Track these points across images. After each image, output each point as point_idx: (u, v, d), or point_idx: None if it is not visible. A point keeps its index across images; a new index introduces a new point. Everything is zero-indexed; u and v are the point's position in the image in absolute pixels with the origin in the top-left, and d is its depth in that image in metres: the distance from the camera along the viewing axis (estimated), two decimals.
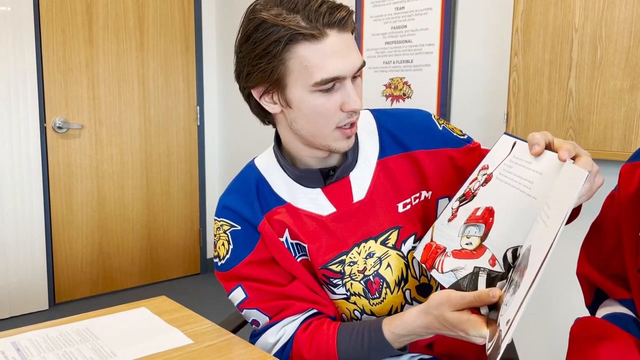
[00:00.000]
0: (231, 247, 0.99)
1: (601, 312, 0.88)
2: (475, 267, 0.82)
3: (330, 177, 0.98)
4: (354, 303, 0.99)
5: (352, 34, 0.90)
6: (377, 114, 1.05)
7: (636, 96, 1.69)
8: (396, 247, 0.98)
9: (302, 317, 0.98)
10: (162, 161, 3.49)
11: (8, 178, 2.89)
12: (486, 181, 0.89)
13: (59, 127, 3.05)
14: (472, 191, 0.90)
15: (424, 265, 0.92)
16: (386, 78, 2.57)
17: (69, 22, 3.05)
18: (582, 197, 0.77)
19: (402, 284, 0.99)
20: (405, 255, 0.98)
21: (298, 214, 0.98)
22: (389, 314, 0.99)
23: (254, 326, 1.01)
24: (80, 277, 3.22)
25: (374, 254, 0.97)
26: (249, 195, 1.00)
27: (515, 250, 0.78)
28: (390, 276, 0.98)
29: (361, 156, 1.00)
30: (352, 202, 0.98)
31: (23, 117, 2.90)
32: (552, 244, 0.65)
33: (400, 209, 0.99)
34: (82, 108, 3.13)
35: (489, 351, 0.69)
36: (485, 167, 0.91)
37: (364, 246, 0.97)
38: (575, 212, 0.89)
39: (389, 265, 0.98)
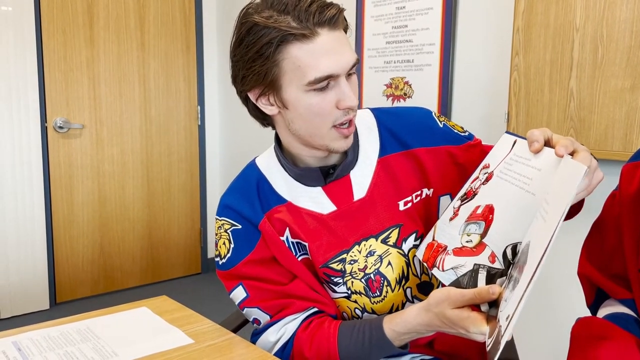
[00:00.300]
0: (232, 246, 0.99)
1: (602, 312, 0.88)
2: (475, 265, 0.82)
3: (330, 175, 0.98)
4: (355, 301, 1.00)
5: (345, 31, 0.91)
6: (378, 112, 1.06)
7: (637, 96, 1.69)
8: (397, 245, 0.98)
9: (302, 315, 0.98)
10: (163, 161, 3.49)
11: (9, 178, 2.89)
12: (487, 180, 0.89)
13: (60, 127, 3.05)
14: (474, 190, 0.91)
15: (425, 265, 0.93)
16: (387, 78, 2.57)
17: (69, 22, 3.05)
18: (582, 193, 0.77)
19: (403, 282, 0.99)
20: (406, 253, 0.98)
21: (299, 212, 0.98)
22: (390, 312, 0.99)
23: (255, 325, 1.01)
24: (81, 276, 3.23)
25: (374, 252, 0.98)
26: (250, 194, 1.00)
27: (514, 247, 0.78)
28: (391, 274, 0.98)
29: (362, 155, 1.00)
30: (353, 201, 0.98)
31: (24, 117, 2.90)
32: (550, 240, 0.65)
33: (401, 207, 0.99)
34: (83, 108, 3.14)
35: (489, 347, 0.69)
36: (487, 166, 0.91)
37: (364, 244, 0.97)
38: (577, 208, 0.89)
39: (389, 263, 0.98)
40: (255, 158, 1.07)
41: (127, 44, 3.26)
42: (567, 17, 1.81)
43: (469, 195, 0.91)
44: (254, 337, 1.02)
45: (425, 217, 1.00)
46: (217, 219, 1.03)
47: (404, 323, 0.87)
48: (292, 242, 0.98)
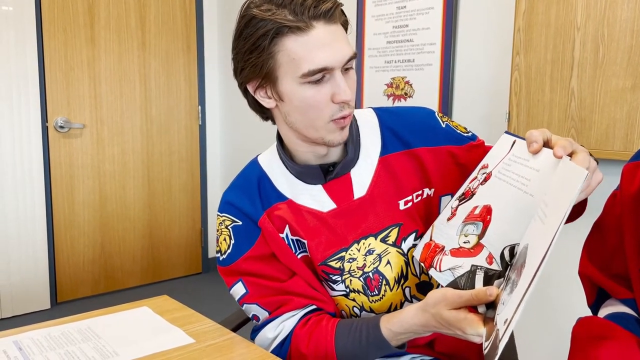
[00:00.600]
0: (232, 242, 1.00)
1: (603, 312, 0.88)
2: (472, 266, 0.82)
3: (330, 173, 0.98)
4: (353, 300, 1.00)
5: (345, 26, 0.91)
6: (380, 112, 1.06)
7: (638, 95, 1.69)
8: (396, 244, 0.98)
9: (301, 312, 0.98)
10: (163, 160, 3.49)
11: (10, 177, 2.89)
12: (485, 180, 0.89)
13: (61, 127, 3.05)
14: (472, 190, 0.90)
15: (422, 265, 0.92)
16: (388, 77, 2.57)
17: (70, 21, 3.05)
18: (581, 194, 0.77)
19: (402, 281, 0.99)
20: (406, 252, 0.98)
21: (299, 210, 0.98)
22: (389, 311, 0.99)
23: (254, 321, 1.02)
24: (82, 276, 3.23)
25: (373, 250, 0.98)
26: (251, 191, 1.01)
27: (512, 248, 0.78)
28: (390, 273, 0.98)
29: (363, 153, 1.00)
30: (353, 199, 0.98)
31: (25, 116, 2.91)
32: (551, 243, 0.65)
33: (402, 206, 0.99)
34: (83, 107, 3.14)
35: (486, 350, 0.69)
36: (485, 166, 0.91)
37: (363, 243, 0.98)
38: (580, 210, 0.89)
39: (388, 262, 0.98)
40: (257, 155, 1.07)
41: (128, 44, 3.26)
42: (568, 17, 1.81)
43: (467, 196, 0.91)
44: (254, 334, 1.02)
45: (425, 217, 1.00)
46: (218, 215, 1.04)
47: (401, 323, 0.87)
48: (292, 240, 0.99)
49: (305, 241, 0.98)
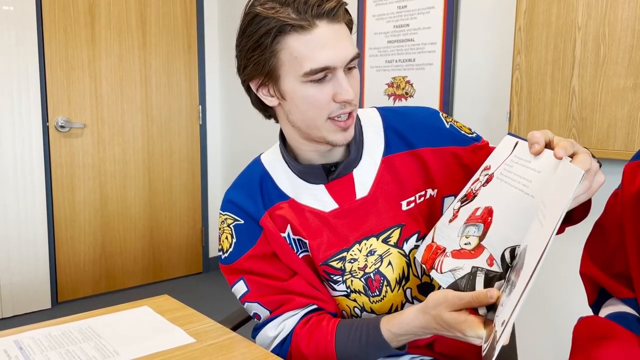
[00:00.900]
0: (234, 240, 1.00)
1: (604, 312, 0.88)
2: (473, 267, 0.81)
3: (332, 173, 0.98)
4: (354, 300, 1.00)
5: (349, 25, 0.91)
6: (384, 111, 1.05)
7: (639, 95, 1.68)
8: (398, 245, 0.98)
9: (302, 312, 0.98)
10: (164, 160, 3.49)
11: (11, 177, 2.89)
12: (487, 181, 0.88)
13: (62, 127, 3.05)
14: (474, 192, 0.90)
15: (424, 266, 0.92)
16: (388, 77, 2.57)
17: (71, 21, 3.05)
18: (582, 196, 0.76)
19: (403, 282, 0.99)
20: (407, 253, 0.98)
21: (301, 209, 0.98)
22: (389, 312, 0.99)
23: (255, 319, 1.02)
24: (82, 276, 3.23)
25: (375, 251, 0.97)
26: (253, 190, 1.01)
27: (513, 250, 0.77)
28: (391, 274, 0.98)
29: (366, 153, 1.00)
30: (355, 199, 0.97)
31: (26, 116, 2.91)
32: (546, 245, 0.64)
33: (404, 207, 0.98)
34: (84, 107, 3.14)
35: (485, 352, 0.69)
36: (488, 168, 0.91)
37: (365, 243, 0.97)
38: (585, 211, 0.89)
39: (390, 263, 0.97)
40: (260, 154, 1.07)
41: (129, 43, 3.27)
42: (569, 16, 1.81)
43: (469, 197, 0.91)
44: (255, 332, 1.02)
45: (428, 218, 1.00)
46: (220, 213, 1.04)
47: (401, 324, 0.87)
48: (293, 239, 0.99)
49: (307, 241, 0.98)
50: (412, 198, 0.99)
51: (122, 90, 3.27)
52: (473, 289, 0.79)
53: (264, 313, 0.99)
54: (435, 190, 1.00)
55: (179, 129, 3.53)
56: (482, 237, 0.83)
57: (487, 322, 0.74)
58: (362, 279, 0.98)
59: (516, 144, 0.88)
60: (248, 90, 0.96)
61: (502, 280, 0.77)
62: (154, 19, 3.34)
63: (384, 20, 2.55)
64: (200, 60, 3.58)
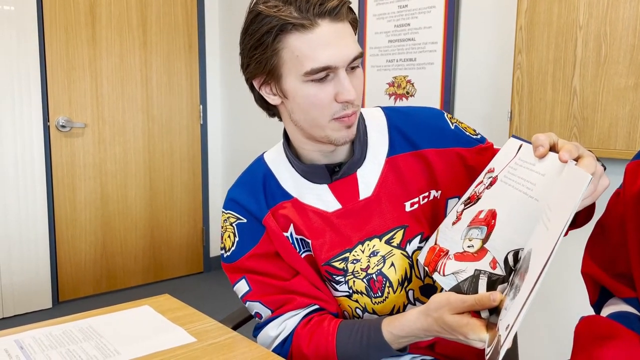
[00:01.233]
0: (237, 239, 1.00)
1: (606, 311, 0.88)
2: (476, 270, 0.81)
3: (337, 173, 0.97)
4: (356, 301, 0.99)
5: (354, 24, 0.90)
6: (388, 111, 1.05)
7: None
8: (401, 246, 0.97)
9: (303, 312, 0.98)
10: (165, 160, 3.49)
11: (12, 177, 2.89)
12: (491, 184, 0.88)
13: (62, 126, 3.05)
14: (477, 194, 0.90)
15: (426, 269, 0.92)
16: (389, 76, 2.57)
17: (72, 21, 3.05)
18: (586, 200, 0.76)
19: (406, 283, 0.98)
20: (410, 255, 0.98)
21: (304, 209, 0.98)
22: (391, 313, 0.99)
23: (257, 319, 1.02)
24: (83, 275, 3.23)
25: (377, 252, 0.97)
26: (256, 188, 1.00)
27: (516, 253, 0.77)
28: (394, 275, 0.97)
29: (370, 153, 0.99)
30: (358, 199, 0.97)
31: (26, 116, 2.91)
32: (553, 249, 0.64)
33: (408, 208, 0.98)
34: (85, 107, 3.14)
35: (488, 355, 0.68)
36: (491, 170, 0.91)
37: (367, 244, 0.97)
38: (588, 215, 0.88)
39: (392, 264, 0.97)
40: (263, 153, 1.07)
41: (129, 43, 3.27)
42: (570, 15, 1.81)
43: (473, 200, 0.90)
44: (256, 331, 1.02)
45: (431, 219, 0.99)
46: (223, 211, 1.04)
47: (403, 326, 0.87)
48: (296, 239, 0.98)
49: (310, 241, 0.97)
50: (416, 199, 0.98)
51: (122, 90, 3.27)
52: (476, 292, 0.79)
53: (265, 312, 0.99)
54: (439, 192, 1.00)
55: (179, 128, 3.53)
56: (485, 240, 0.82)
57: (490, 326, 0.74)
58: (364, 279, 0.97)
59: (520, 146, 0.87)
60: (251, 88, 0.95)
61: (505, 284, 0.76)
62: (154, 18, 3.34)
63: (385, 19, 2.55)
64: (201, 60, 3.58)
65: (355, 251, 0.97)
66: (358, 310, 1.00)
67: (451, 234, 0.90)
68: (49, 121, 3.02)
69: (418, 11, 2.41)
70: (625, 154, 1.71)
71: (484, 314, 0.76)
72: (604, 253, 0.90)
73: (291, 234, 0.98)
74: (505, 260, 0.78)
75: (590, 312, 0.93)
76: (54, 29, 2.99)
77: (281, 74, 0.88)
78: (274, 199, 0.99)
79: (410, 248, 0.98)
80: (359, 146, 0.97)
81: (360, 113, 1.01)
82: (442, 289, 1.00)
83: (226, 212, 1.03)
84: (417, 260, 0.98)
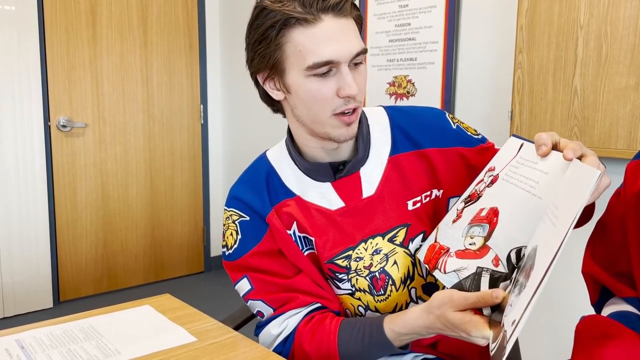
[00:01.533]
0: (239, 237, 1.00)
1: (607, 311, 0.88)
2: (478, 268, 0.81)
3: (340, 171, 0.97)
4: (359, 299, 0.99)
5: (359, 21, 0.91)
6: (391, 111, 1.05)
7: None
8: (403, 244, 0.98)
9: (305, 310, 0.98)
10: (165, 159, 3.49)
11: (13, 177, 2.90)
12: (492, 182, 0.88)
13: (63, 126, 3.05)
14: (478, 192, 0.90)
15: (427, 266, 0.92)
16: (390, 76, 2.57)
17: (72, 21, 3.05)
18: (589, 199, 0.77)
19: (408, 282, 0.99)
20: (413, 253, 0.98)
21: (307, 207, 0.98)
22: (394, 311, 0.99)
23: (258, 317, 1.02)
24: (84, 275, 3.23)
25: (380, 250, 0.97)
26: (259, 186, 1.00)
27: (519, 251, 0.77)
28: (397, 273, 0.98)
29: (373, 152, 0.99)
30: (361, 198, 0.97)
31: (27, 116, 2.91)
32: (560, 245, 0.64)
33: (410, 207, 0.98)
34: (86, 107, 3.14)
35: (493, 352, 0.68)
36: (492, 169, 0.91)
37: (371, 242, 0.97)
38: (588, 214, 0.88)
39: (395, 262, 0.97)
40: (266, 151, 1.07)
41: (130, 43, 3.27)
42: (571, 15, 1.81)
43: (473, 198, 0.90)
44: (258, 330, 1.02)
45: (433, 218, 1.00)
46: (225, 209, 1.04)
47: (405, 324, 0.87)
48: (299, 236, 0.98)
49: (313, 238, 0.97)
50: (418, 198, 0.99)
51: (123, 90, 3.27)
52: (478, 289, 0.79)
53: (267, 311, 0.99)
54: (441, 191, 1.00)
55: (180, 128, 3.53)
56: (487, 238, 0.82)
57: (493, 323, 0.74)
58: (367, 277, 0.98)
59: (521, 145, 0.87)
60: (256, 83, 0.96)
61: (508, 281, 0.76)
62: (155, 18, 3.35)
63: (386, 19, 2.55)
64: (202, 60, 3.58)
65: (359, 249, 0.97)
66: (360, 309, 1.00)
67: (451, 232, 0.90)
68: (49, 121, 3.02)
69: (419, 11, 2.41)
70: (625, 153, 1.71)
71: (486, 312, 0.76)
72: (605, 252, 0.90)
73: (294, 232, 0.98)
74: (508, 257, 0.78)
75: (591, 311, 0.93)
76: (55, 29, 3.00)
77: (284, 68, 0.88)
78: (277, 196, 0.99)
79: (412, 246, 0.98)
80: (362, 145, 0.98)
81: (363, 112, 1.01)
82: (444, 287, 1.00)
83: (229, 209, 1.03)
84: (419, 258, 0.98)
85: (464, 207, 0.91)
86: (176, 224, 3.58)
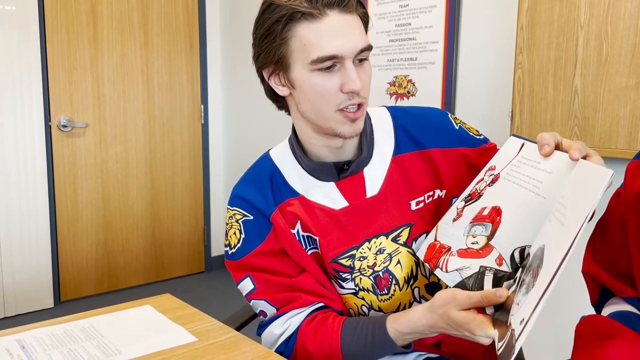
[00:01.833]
0: (243, 236, 1.00)
1: (607, 310, 0.88)
2: (481, 267, 0.81)
3: (345, 171, 0.98)
4: (362, 298, 1.00)
5: (364, 19, 0.91)
6: (394, 111, 1.05)
7: None
8: (407, 244, 0.98)
9: (308, 310, 0.98)
10: (166, 159, 3.49)
11: (13, 177, 2.90)
12: (493, 181, 0.88)
13: (64, 126, 3.06)
14: (479, 191, 0.90)
15: (427, 265, 0.92)
16: (390, 76, 2.57)
17: (73, 21, 3.05)
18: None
19: (412, 281, 0.99)
20: (416, 253, 0.98)
21: (311, 206, 0.98)
22: (397, 310, 0.99)
23: (261, 317, 1.02)
24: (85, 275, 3.23)
25: (384, 250, 0.97)
26: (263, 185, 1.00)
27: (522, 250, 0.77)
28: (400, 273, 0.98)
29: (376, 152, 1.00)
30: (365, 197, 0.98)
31: (28, 116, 2.91)
32: (572, 243, 0.64)
33: (413, 207, 0.99)
34: (86, 107, 3.14)
35: (500, 351, 0.68)
36: (492, 168, 0.91)
37: (374, 242, 0.97)
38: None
39: (399, 262, 0.98)
40: (269, 150, 1.07)
41: (131, 43, 3.27)
42: (571, 15, 1.81)
43: (474, 197, 0.90)
44: (260, 329, 1.02)
45: (436, 218, 1.00)
46: (228, 208, 1.03)
47: (408, 323, 0.87)
48: (303, 236, 0.98)
49: (317, 238, 0.98)
50: (421, 198, 0.99)
51: (124, 90, 3.27)
52: (481, 288, 0.79)
53: (270, 311, 0.99)
54: (444, 191, 1.00)
55: (181, 128, 3.54)
56: (490, 237, 0.82)
57: (496, 322, 0.74)
58: (371, 277, 0.98)
59: (522, 145, 0.87)
60: (262, 79, 0.96)
61: (511, 280, 0.76)
62: (155, 18, 3.35)
63: (386, 19, 2.55)
64: (202, 60, 3.58)
65: (362, 249, 0.97)
66: (364, 308, 1.00)
67: (452, 230, 0.90)
68: (50, 121, 3.02)
69: (419, 10, 2.41)
70: (626, 153, 1.71)
71: (489, 311, 0.76)
72: (605, 252, 0.90)
73: (298, 231, 0.98)
74: (512, 257, 0.78)
75: (591, 311, 0.93)
76: (55, 29, 3.00)
77: (289, 63, 0.89)
78: (281, 196, 0.99)
79: (416, 246, 0.98)
80: (366, 144, 0.98)
81: (367, 112, 1.01)
82: (447, 287, 1.00)
83: (232, 208, 1.02)
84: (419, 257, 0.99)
85: (465, 206, 0.91)
86: (177, 223, 3.58)
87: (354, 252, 0.98)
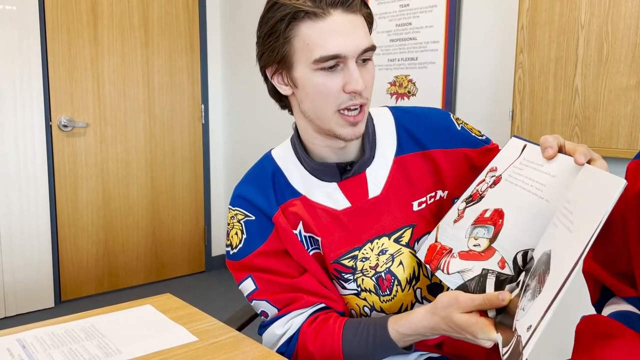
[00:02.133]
0: (244, 236, 0.99)
1: (607, 310, 0.88)
2: (483, 269, 0.81)
3: (347, 171, 0.98)
4: (364, 299, 0.99)
5: (369, 19, 0.91)
6: (396, 111, 1.05)
7: None
8: (409, 245, 0.98)
9: (309, 310, 0.98)
10: (166, 159, 3.49)
11: (14, 176, 2.90)
12: (495, 183, 0.88)
13: (65, 126, 3.06)
14: (480, 193, 0.89)
15: (428, 266, 0.92)
16: (391, 76, 2.57)
17: (74, 21, 3.05)
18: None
19: (414, 282, 0.99)
20: (417, 253, 0.98)
21: (313, 207, 0.98)
22: (399, 311, 0.99)
23: (262, 317, 1.02)
24: (85, 275, 3.24)
25: (386, 250, 0.97)
26: (265, 185, 1.00)
27: (525, 253, 0.77)
28: (402, 274, 0.98)
29: (378, 152, 1.00)
30: (367, 198, 0.98)
31: (29, 115, 2.91)
32: (582, 253, 0.63)
33: (415, 208, 0.98)
34: (87, 106, 3.14)
35: (506, 357, 0.67)
36: (494, 169, 0.90)
37: (377, 242, 0.97)
38: None
39: (401, 262, 0.98)
40: (271, 150, 1.07)
41: (131, 43, 3.27)
42: (571, 14, 1.81)
43: (475, 198, 0.90)
44: (261, 330, 1.02)
45: (438, 219, 1.00)
46: (230, 208, 1.03)
47: (409, 325, 0.87)
48: (305, 236, 0.98)
49: (319, 238, 0.97)
50: (423, 199, 0.99)
51: (124, 90, 3.27)
52: (483, 291, 0.78)
53: (271, 311, 0.99)
54: (446, 192, 1.00)
55: (181, 128, 3.54)
56: (492, 239, 0.82)
57: (499, 325, 0.73)
58: (373, 277, 0.98)
59: (524, 146, 0.87)
60: (265, 78, 0.96)
61: (514, 284, 0.76)
62: (156, 18, 3.35)
63: (386, 19, 2.55)
64: (203, 59, 3.58)
65: (365, 249, 0.97)
66: (366, 309, 1.00)
67: (453, 232, 0.90)
68: (51, 121, 3.02)
69: (419, 10, 2.41)
70: (626, 153, 1.71)
71: (491, 314, 0.75)
72: (606, 252, 0.90)
73: (300, 232, 0.98)
74: (514, 260, 0.77)
75: (591, 311, 0.93)
76: (56, 29, 3.00)
77: (292, 62, 0.89)
78: (284, 196, 0.99)
79: (417, 247, 0.98)
80: (368, 145, 0.98)
81: (369, 112, 1.01)
82: (448, 288, 1.00)
83: (234, 209, 1.02)
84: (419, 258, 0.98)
85: (466, 207, 0.90)
86: (177, 223, 3.59)
87: (356, 252, 0.97)
